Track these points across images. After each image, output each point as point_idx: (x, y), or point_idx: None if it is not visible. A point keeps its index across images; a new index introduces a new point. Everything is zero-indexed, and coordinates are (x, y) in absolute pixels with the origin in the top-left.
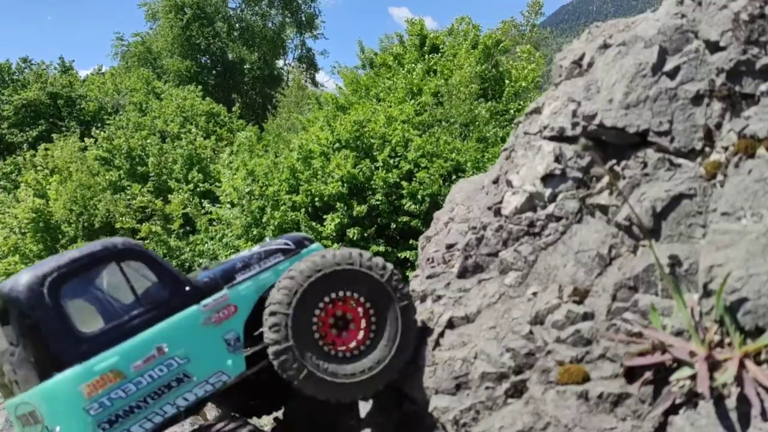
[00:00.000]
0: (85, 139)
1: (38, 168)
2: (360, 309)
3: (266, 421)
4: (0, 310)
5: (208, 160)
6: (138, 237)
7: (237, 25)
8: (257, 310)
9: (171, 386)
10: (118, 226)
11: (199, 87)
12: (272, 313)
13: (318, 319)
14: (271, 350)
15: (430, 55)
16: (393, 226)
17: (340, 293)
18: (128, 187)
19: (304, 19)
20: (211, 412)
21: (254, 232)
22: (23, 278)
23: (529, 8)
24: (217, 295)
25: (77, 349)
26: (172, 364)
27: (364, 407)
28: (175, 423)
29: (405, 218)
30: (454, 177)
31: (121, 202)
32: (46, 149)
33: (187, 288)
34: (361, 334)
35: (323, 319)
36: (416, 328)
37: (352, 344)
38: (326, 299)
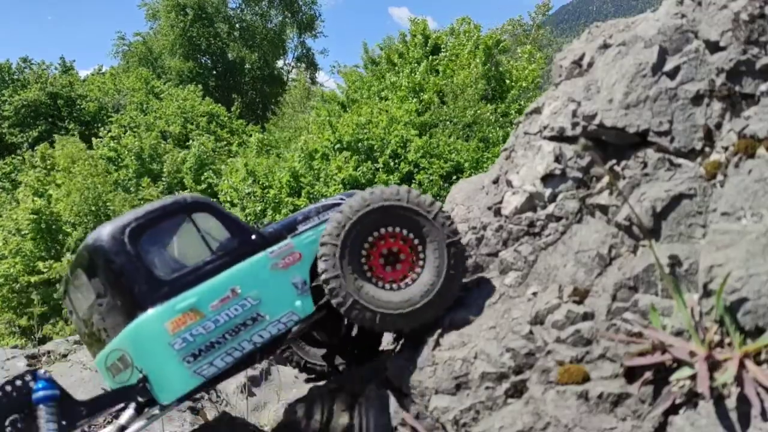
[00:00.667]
0: (93, 138)
1: (37, 168)
2: (407, 244)
3: (266, 421)
4: (86, 262)
5: (216, 160)
6: None
7: (237, 25)
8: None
9: (246, 324)
10: None
11: (199, 87)
12: (323, 244)
13: (367, 251)
14: (322, 278)
15: (433, 56)
16: None
17: (389, 228)
18: (140, 188)
19: (304, 20)
20: (211, 412)
21: None
22: (105, 230)
23: (537, 9)
24: (281, 243)
25: (158, 291)
26: (245, 305)
27: (367, 408)
28: (251, 363)
29: None
30: (453, 177)
31: (135, 201)
32: (47, 149)
33: (254, 237)
34: (408, 268)
35: (372, 252)
36: (464, 265)
37: (400, 277)
38: (375, 233)
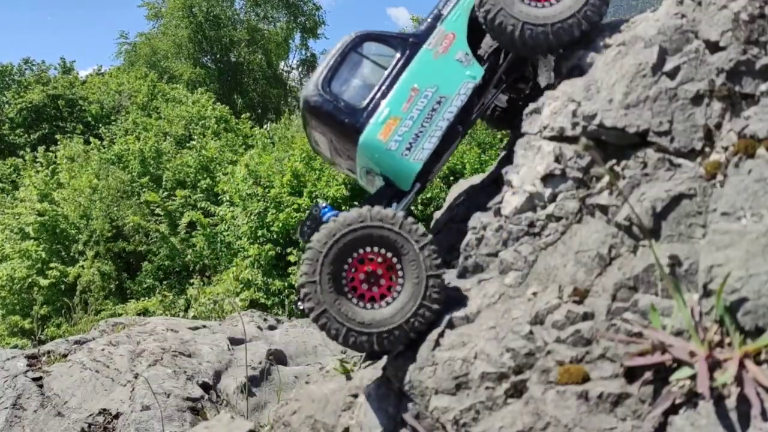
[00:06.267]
0: (92, 140)
1: (41, 171)
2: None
3: (266, 421)
4: (307, 117)
5: (218, 164)
6: (142, 233)
7: (240, 27)
8: (472, 28)
9: (435, 109)
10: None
11: (210, 93)
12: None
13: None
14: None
15: None
16: None
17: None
18: (143, 190)
19: (307, 24)
20: (211, 412)
21: (258, 233)
22: (307, 89)
23: None
24: (434, 32)
25: (362, 116)
26: (427, 95)
27: (367, 408)
28: (455, 138)
29: None
30: (451, 178)
31: (137, 205)
32: (53, 151)
33: (411, 39)
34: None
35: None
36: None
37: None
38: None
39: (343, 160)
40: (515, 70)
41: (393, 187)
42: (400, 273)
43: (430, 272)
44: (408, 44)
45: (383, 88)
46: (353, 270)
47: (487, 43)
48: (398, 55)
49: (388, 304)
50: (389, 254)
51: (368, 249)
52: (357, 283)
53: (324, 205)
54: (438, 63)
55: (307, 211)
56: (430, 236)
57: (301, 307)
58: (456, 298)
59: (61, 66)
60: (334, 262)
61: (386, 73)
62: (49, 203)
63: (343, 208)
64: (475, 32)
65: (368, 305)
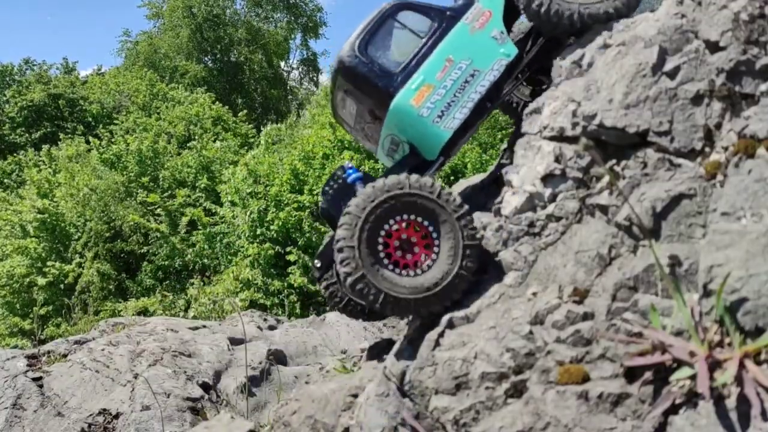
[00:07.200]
0: (91, 140)
1: (42, 170)
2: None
3: (266, 421)
4: (342, 80)
5: (218, 164)
6: (141, 233)
7: (240, 27)
8: (507, 7)
9: (468, 81)
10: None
11: (210, 94)
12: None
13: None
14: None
15: None
16: None
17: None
18: (140, 190)
19: (309, 24)
20: (211, 412)
21: (258, 232)
22: (343, 52)
23: None
24: (471, 8)
25: (396, 81)
26: (461, 67)
27: (367, 408)
28: (483, 113)
29: None
30: (452, 178)
31: (135, 205)
32: (55, 150)
33: (449, 12)
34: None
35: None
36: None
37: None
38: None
39: (365, 130)
40: (542, 59)
41: (417, 156)
42: (436, 241)
43: (467, 241)
44: (445, 17)
45: (418, 56)
46: (389, 236)
47: (518, 29)
48: (435, 25)
49: (423, 271)
50: (425, 222)
51: (405, 216)
52: (392, 249)
53: (350, 165)
54: (474, 38)
55: (332, 172)
56: (466, 206)
57: (318, 274)
58: (455, 299)
59: (63, 66)
60: (372, 228)
61: (422, 42)
62: (50, 201)
63: None
64: (507, 15)
65: (403, 272)
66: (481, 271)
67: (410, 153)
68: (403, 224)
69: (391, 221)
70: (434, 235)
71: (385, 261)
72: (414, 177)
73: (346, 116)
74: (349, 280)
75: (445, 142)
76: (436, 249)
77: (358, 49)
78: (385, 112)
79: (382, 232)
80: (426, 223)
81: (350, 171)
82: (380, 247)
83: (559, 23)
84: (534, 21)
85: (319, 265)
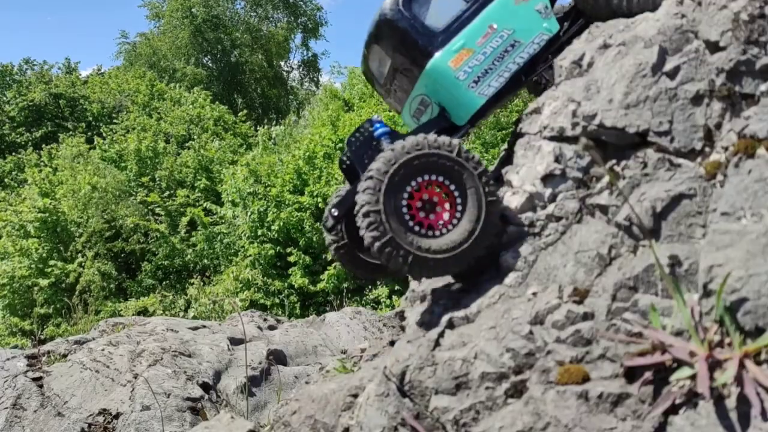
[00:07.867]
0: (95, 138)
1: (43, 169)
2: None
3: (266, 421)
4: (380, 34)
5: (218, 164)
6: (141, 233)
7: (241, 27)
8: None
9: (507, 51)
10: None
11: (209, 93)
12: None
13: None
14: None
15: None
16: None
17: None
18: (140, 189)
19: (309, 24)
20: (211, 412)
21: (258, 232)
22: (386, 6)
23: None
24: None
25: (437, 40)
26: (503, 35)
27: (367, 408)
28: (519, 86)
29: None
30: None
31: (134, 204)
32: (55, 149)
33: None
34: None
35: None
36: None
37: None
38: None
39: (394, 88)
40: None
41: (445, 119)
42: (458, 200)
43: (489, 198)
44: None
45: (462, 19)
46: (411, 198)
47: (557, 8)
48: None
49: (449, 230)
50: (447, 181)
51: (426, 177)
52: (415, 210)
53: (378, 118)
54: (518, 9)
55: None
56: (485, 163)
57: (332, 223)
58: (456, 298)
59: (65, 66)
60: (395, 191)
61: (467, 5)
62: (51, 200)
63: None
64: None
65: (428, 232)
66: (480, 271)
67: (439, 115)
68: (425, 185)
69: (413, 182)
70: (456, 193)
71: (411, 223)
72: (432, 137)
73: (376, 71)
74: (377, 244)
75: (477, 109)
76: (459, 207)
77: (403, 3)
78: (420, 71)
79: (405, 194)
80: (447, 182)
81: (378, 125)
82: (404, 210)
83: (608, 4)
84: (578, 1)
85: (336, 213)
